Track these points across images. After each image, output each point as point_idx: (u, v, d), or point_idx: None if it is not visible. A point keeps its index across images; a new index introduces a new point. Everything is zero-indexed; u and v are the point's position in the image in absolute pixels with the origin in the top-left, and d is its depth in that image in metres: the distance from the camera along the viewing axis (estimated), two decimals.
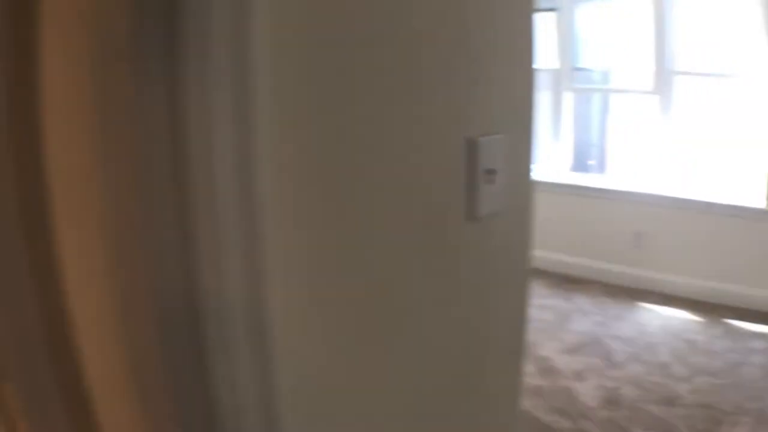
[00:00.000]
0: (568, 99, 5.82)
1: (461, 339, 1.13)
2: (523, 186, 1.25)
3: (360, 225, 0.89)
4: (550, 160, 5.96)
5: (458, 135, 1.02)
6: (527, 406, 3.48)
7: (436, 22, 0.95)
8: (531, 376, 3.80)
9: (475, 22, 1.02)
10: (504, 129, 1.11)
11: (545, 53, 5.89)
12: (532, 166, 1.25)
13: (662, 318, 4.67)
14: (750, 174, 4.85)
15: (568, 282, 5.45)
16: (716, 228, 4.89)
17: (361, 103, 0.85)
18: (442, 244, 1.04)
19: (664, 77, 5.13)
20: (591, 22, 5.83)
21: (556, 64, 5.78)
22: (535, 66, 1.19)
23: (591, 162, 6.12)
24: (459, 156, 1.03)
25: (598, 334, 4.39)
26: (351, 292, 0.89)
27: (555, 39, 5.75)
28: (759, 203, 4.75)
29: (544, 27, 5.83)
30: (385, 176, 0.90)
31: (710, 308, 4.80)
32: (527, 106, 1.21)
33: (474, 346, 1.18)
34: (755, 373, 3.82)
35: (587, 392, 3.64)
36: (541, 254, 5.74)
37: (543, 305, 4.92)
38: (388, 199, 0.92)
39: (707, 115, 5.27)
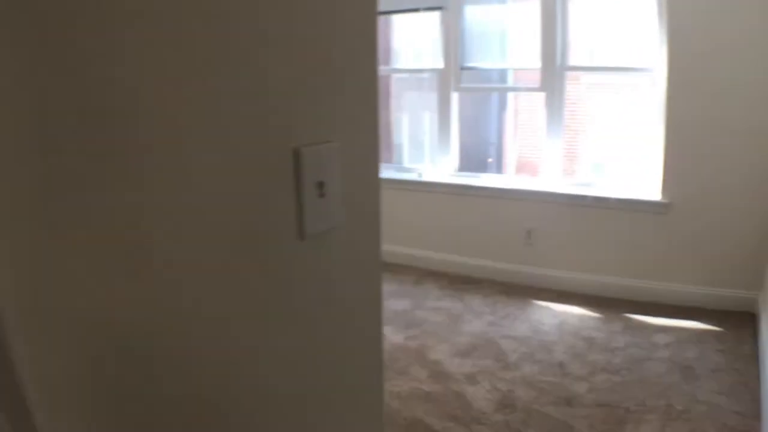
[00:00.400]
0: (456, 99, 5.73)
1: (304, 367, 1.06)
2: (367, 195, 1.15)
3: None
4: (439, 161, 5.87)
5: (283, 146, 0.93)
6: (419, 413, 3.31)
7: (245, 20, 0.84)
8: (423, 382, 3.64)
9: (301, 21, 0.93)
10: (338, 136, 1.03)
11: (433, 53, 5.82)
12: (378, 172, 1.17)
13: (558, 316, 4.61)
14: (645, 167, 4.88)
15: (461, 282, 5.34)
16: (611, 222, 4.89)
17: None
18: (271, 269, 0.95)
19: (551, 74, 5.11)
20: (480, 20, 5.78)
21: (441, 64, 5.70)
22: (376, 69, 1.12)
23: (490, 160, 6.06)
24: (286, 169, 0.93)
25: (491, 334, 4.27)
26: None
27: (440, 38, 5.67)
28: (653, 196, 4.77)
29: (431, 26, 5.76)
30: (187, 203, 0.79)
31: (609, 304, 4.78)
32: (368, 110, 1.12)
33: (321, 371, 1.10)
34: (659, 368, 3.75)
35: (481, 396, 3.49)
36: (433, 255, 5.66)
37: (435, 307, 4.79)
38: (192, 229, 0.80)
39: (599, 111, 5.31)
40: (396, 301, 4.94)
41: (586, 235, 4.99)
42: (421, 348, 4.07)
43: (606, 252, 4.94)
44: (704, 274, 4.64)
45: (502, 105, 6.16)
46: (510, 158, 6.01)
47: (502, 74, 6.07)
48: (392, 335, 4.27)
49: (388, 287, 5.20)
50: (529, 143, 6.19)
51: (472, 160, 6.22)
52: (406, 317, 4.60)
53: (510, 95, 6.35)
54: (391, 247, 5.89)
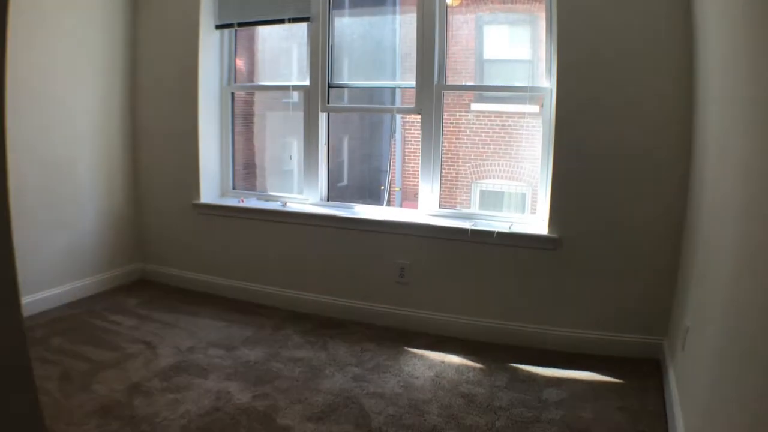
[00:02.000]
0: (324, 120, 5.14)
1: None
2: None
3: None
4: (306, 189, 5.25)
5: None
6: None
7: None
8: None
9: None
10: None
11: (298, 68, 5.23)
12: None
13: (434, 367, 4.03)
14: (532, 199, 4.44)
15: (327, 327, 4.70)
16: (495, 259, 4.39)
17: None
18: None
19: (428, 93, 4.61)
20: (358, 34, 5.23)
21: (307, 81, 5.11)
22: None
23: (382, 188, 5.44)
24: None
25: (354, 392, 3.64)
26: None
27: (307, 53, 5.09)
28: (541, 230, 4.31)
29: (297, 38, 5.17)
30: None
31: (492, 351, 4.26)
32: None
33: None
34: None
35: None
36: (297, 295, 5.02)
37: (293, 358, 4.12)
38: None
39: (483, 137, 4.85)
40: (248, 350, 4.24)
41: (467, 273, 4.48)
42: (270, 410, 3.39)
43: (489, 292, 4.44)
44: (600, 318, 4.21)
45: (393, 129, 5.58)
46: (395, 187, 5.43)
47: (391, 94, 5.49)
48: (238, 393, 3.58)
49: (241, 333, 4.52)
50: (416, 171, 5.67)
51: (362, 188, 5.64)
52: (258, 370, 3.91)
53: (399, 118, 5.74)
54: (248, 286, 5.22)
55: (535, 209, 4.49)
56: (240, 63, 5.65)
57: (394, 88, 5.19)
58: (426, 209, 4.77)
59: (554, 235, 4.20)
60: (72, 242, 5.17)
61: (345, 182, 5.96)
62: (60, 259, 5.06)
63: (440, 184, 4.75)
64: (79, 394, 3.51)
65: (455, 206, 4.93)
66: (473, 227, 4.39)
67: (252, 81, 5.80)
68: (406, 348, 4.33)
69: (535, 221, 4.45)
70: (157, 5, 5.44)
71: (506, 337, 4.38)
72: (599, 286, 4.17)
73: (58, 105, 4.94)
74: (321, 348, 4.30)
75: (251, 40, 5.77)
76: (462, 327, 4.49)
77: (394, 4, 5.12)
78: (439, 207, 4.77)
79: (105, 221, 5.50)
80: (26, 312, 4.69)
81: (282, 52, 5.60)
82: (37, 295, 4.83)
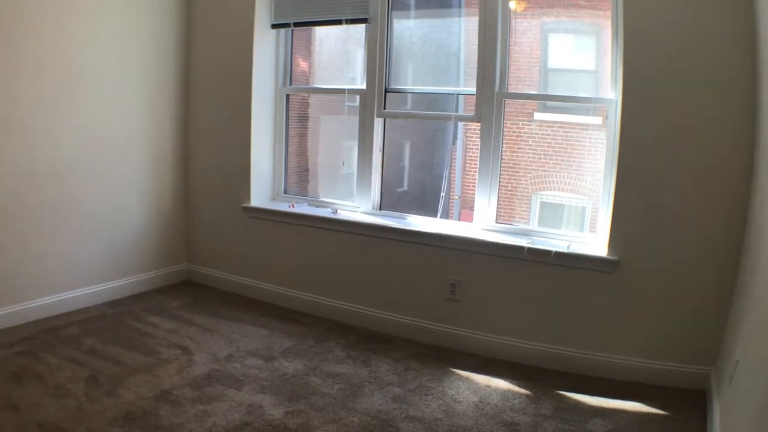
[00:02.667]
0: (379, 126, 4.95)
1: None
2: None
3: None
4: (359, 197, 5.06)
5: None
6: None
7: None
8: None
9: None
10: None
11: (355, 71, 5.06)
12: None
13: (479, 391, 3.77)
14: (592, 218, 4.17)
15: (371, 341, 4.49)
16: (550, 280, 4.11)
17: None
18: None
19: (488, 101, 4.38)
20: (418, 36, 5.02)
21: (363, 85, 4.93)
22: None
23: (443, 194, 5.20)
24: None
25: (393, 414, 3.40)
26: None
27: (365, 55, 4.91)
28: (599, 251, 4.02)
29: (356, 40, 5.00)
30: None
31: (540, 376, 4.00)
32: None
33: None
34: None
35: None
36: (343, 306, 4.84)
37: (333, 373, 3.91)
38: None
39: (546, 149, 4.59)
40: (287, 361, 4.06)
41: (520, 293, 4.21)
42: (302, 429, 3.19)
43: (541, 314, 4.16)
44: (650, 345, 3.91)
45: (455, 135, 5.32)
46: (455, 195, 5.18)
47: (454, 100, 5.23)
48: (270, 408, 3.39)
49: (282, 343, 4.34)
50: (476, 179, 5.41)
51: (422, 194, 5.42)
52: (294, 385, 3.72)
53: (461, 124, 5.42)
54: (294, 293, 5.05)
55: (595, 227, 4.20)
56: (296, 64, 5.50)
57: (456, 94, 4.93)
58: (482, 223, 4.52)
59: (613, 258, 3.90)
60: (117, 239, 5.09)
61: (405, 187, 5.76)
62: (103, 256, 4.98)
63: (498, 195, 4.49)
64: (105, 399, 3.37)
65: (512, 221, 4.66)
66: (530, 245, 4.12)
67: (307, 83, 5.64)
68: (451, 369, 4.08)
69: (594, 240, 4.16)
70: (211, 3, 5.34)
71: (556, 361, 4.10)
72: (652, 311, 3.88)
73: (110, 101, 4.88)
74: (363, 364, 4.09)
75: (308, 40, 5.62)
76: (511, 349, 4.23)
77: (460, 6, 4.88)
78: (496, 221, 4.51)
79: (153, 220, 5.41)
80: (63, 309, 4.63)
81: (339, 54, 5.42)
82: (77, 291, 4.76)
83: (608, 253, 3.93)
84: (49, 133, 4.46)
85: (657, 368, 3.88)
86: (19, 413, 3.15)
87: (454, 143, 5.27)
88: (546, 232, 4.38)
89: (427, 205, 5.04)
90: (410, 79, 5.05)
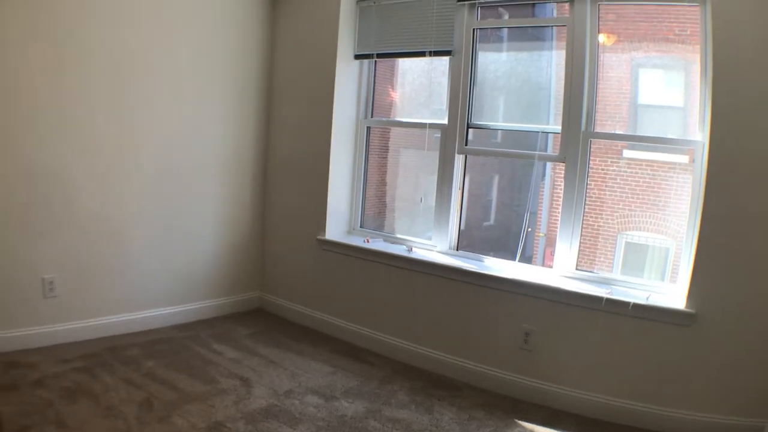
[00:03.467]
0: (460, 162, 4.79)
1: None
2: None
3: None
4: (436, 235, 4.89)
5: None
6: None
7: None
8: None
9: None
10: None
11: (437, 105, 4.92)
12: None
13: None
14: (672, 266, 3.89)
15: (437, 386, 4.28)
16: (626, 332, 3.82)
17: None
18: None
19: (573, 141, 4.16)
20: (497, 71, 4.86)
21: (445, 120, 4.79)
22: None
23: (529, 229, 5.00)
24: None
25: None
26: None
27: (447, 89, 4.77)
28: (676, 303, 3.73)
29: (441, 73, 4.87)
30: None
31: (607, 431, 3.71)
32: None
33: None
34: None
35: None
36: (411, 348, 4.65)
37: (393, 418, 3.72)
38: None
39: (629, 182, 4.33)
40: (348, 402, 3.90)
41: (595, 344, 3.93)
42: None
43: (614, 367, 3.87)
44: (722, 401, 3.61)
45: (543, 171, 5.10)
46: (540, 232, 4.94)
47: (541, 137, 5.00)
48: None
49: (345, 382, 4.19)
50: (546, 221, 5.16)
51: (506, 230, 5.22)
52: (352, 428, 3.55)
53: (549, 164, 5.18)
54: (363, 330, 4.91)
55: (677, 275, 3.91)
56: (378, 95, 5.42)
57: (541, 132, 4.70)
58: (561, 269, 4.28)
59: (691, 310, 3.61)
60: (190, 263, 5.09)
61: (491, 221, 5.57)
62: (175, 278, 4.98)
63: (581, 236, 4.24)
64: (155, 425, 3.30)
65: (594, 265, 4.40)
66: (609, 296, 3.85)
67: (389, 114, 5.54)
68: (516, 420, 3.83)
69: (674, 290, 3.88)
70: (295, 33, 5.35)
71: (625, 416, 3.81)
72: (727, 368, 3.58)
73: (193, 124, 4.94)
74: (426, 410, 3.88)
75: (391, 71, 5.53)
76: (581, 402, 3.94)
77: (551, 38, 4.68)
78: (577, 266, 4.26)
79: (228, 246, 5.40)
80: (129, 328, 4.63)
81: (422, 86, 5.31)
82: (144, 312, 4.77)
83: (686, 305, 3.65)
84: (133, 149, 4.58)
85: (728, 423, 3.58)
86: (65, 430, 3.11)
87: (542, 178, 5.05)
88: (626, 281, 4.10)
89: (512, 241, 4.82)
90: (495, 115, 4.88)
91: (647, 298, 3.81)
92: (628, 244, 4.45)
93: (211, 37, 5.00)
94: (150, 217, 4.74)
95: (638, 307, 3.75)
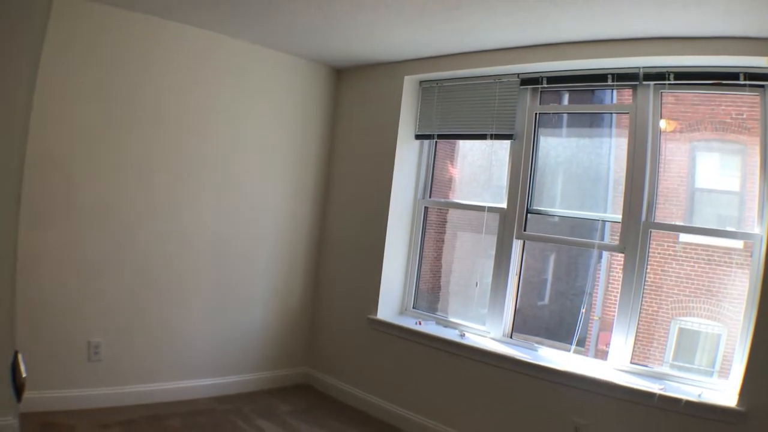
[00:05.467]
0: (518, 248, 4.67)
1: None
2: None
3: None
4: (489, 322, 4.75)
5: None
6: None
7: None
8: None
9: None
10: None
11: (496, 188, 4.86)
12: None
13: None
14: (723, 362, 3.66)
15: None
16: (674, 428, 3.57)
17: None
18: None
19: (634, 231, 4.02)
20: (557, 156, 4.77)
21: (504, 204, 4.71)
22: None
23: (583, 310, 4.81)
24: None
25: None
26: None
27: (507, 173, 4.71)
28: (726, 401, 3.47)
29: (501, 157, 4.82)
30: None
31: None
32: None
33: None
34: None
35: None
36: None
37: None
38: None
39: (684, 267, 4.16)
40: None
41: None
42: None
43: None
44: None
45: (600, 255, 4.95)
46: (594, 316, 4.75)
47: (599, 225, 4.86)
48: None
49: None
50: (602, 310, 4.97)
51: (561, 311, 5.05)
52: None
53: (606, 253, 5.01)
54: (409, 414, 4.75)
55: (729, 363, 3.69)
56: (437, 175, 5.39)
57: (600, 220, 4.57)
58: (615, 362, 4.07)
59: (741, 409, 3.34)
60: (237, 334, 5.07)
61: (545, 301, 5.39)
62: (221, 348, 4.96)
63: (637, 325, 4.04)
64: None
65: (648, 356, 4.18)
66: (661, 392, 3.63)
67: (448, 195, 5.49)
68: None
69: (725, 385, 3.65)
70: (357, 112, 5.42)
71: None
72: None
73: (255, 200, 5.04)
74: None
75: (451, 152, 5.51)
76: None
77: (610, 126, 4.58)
78: (631, 360, 4.05)
79: (278, 320, 5.37)
80: (170, 398, 4.58)
81: (482, 169, 5.25)
82: (187, 382, 4.73)
83: (738, 403, 3.38)
84: (198, 217, 4.72)
85: None
86: None
87: (599, 261, 4.88)
88: (679, 377, 3.86)
89: (566, 323, 4.63)
90: (553, 200, 4.77)
91: (699, 395, 3.58)
92: (681, 329, 4.24)
93: (277, 117, 5.18)
94: (205, 287, 4.76)
95: (690, 405, 3.51)
